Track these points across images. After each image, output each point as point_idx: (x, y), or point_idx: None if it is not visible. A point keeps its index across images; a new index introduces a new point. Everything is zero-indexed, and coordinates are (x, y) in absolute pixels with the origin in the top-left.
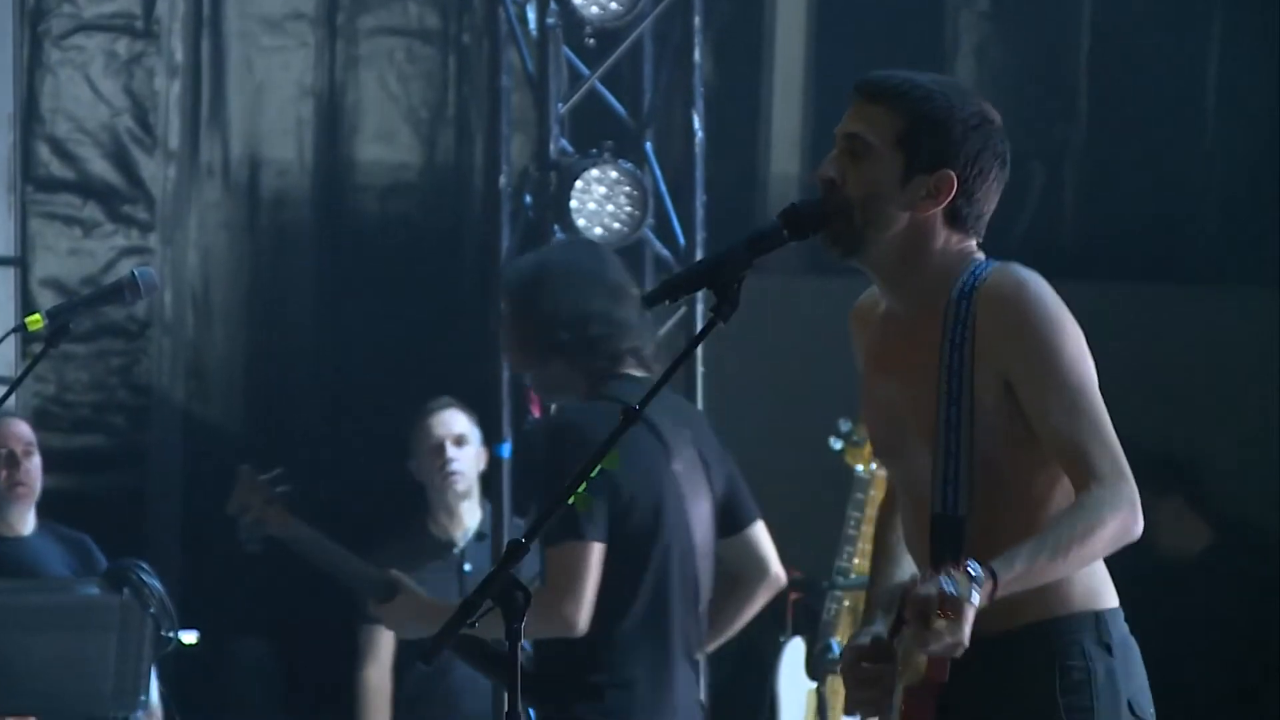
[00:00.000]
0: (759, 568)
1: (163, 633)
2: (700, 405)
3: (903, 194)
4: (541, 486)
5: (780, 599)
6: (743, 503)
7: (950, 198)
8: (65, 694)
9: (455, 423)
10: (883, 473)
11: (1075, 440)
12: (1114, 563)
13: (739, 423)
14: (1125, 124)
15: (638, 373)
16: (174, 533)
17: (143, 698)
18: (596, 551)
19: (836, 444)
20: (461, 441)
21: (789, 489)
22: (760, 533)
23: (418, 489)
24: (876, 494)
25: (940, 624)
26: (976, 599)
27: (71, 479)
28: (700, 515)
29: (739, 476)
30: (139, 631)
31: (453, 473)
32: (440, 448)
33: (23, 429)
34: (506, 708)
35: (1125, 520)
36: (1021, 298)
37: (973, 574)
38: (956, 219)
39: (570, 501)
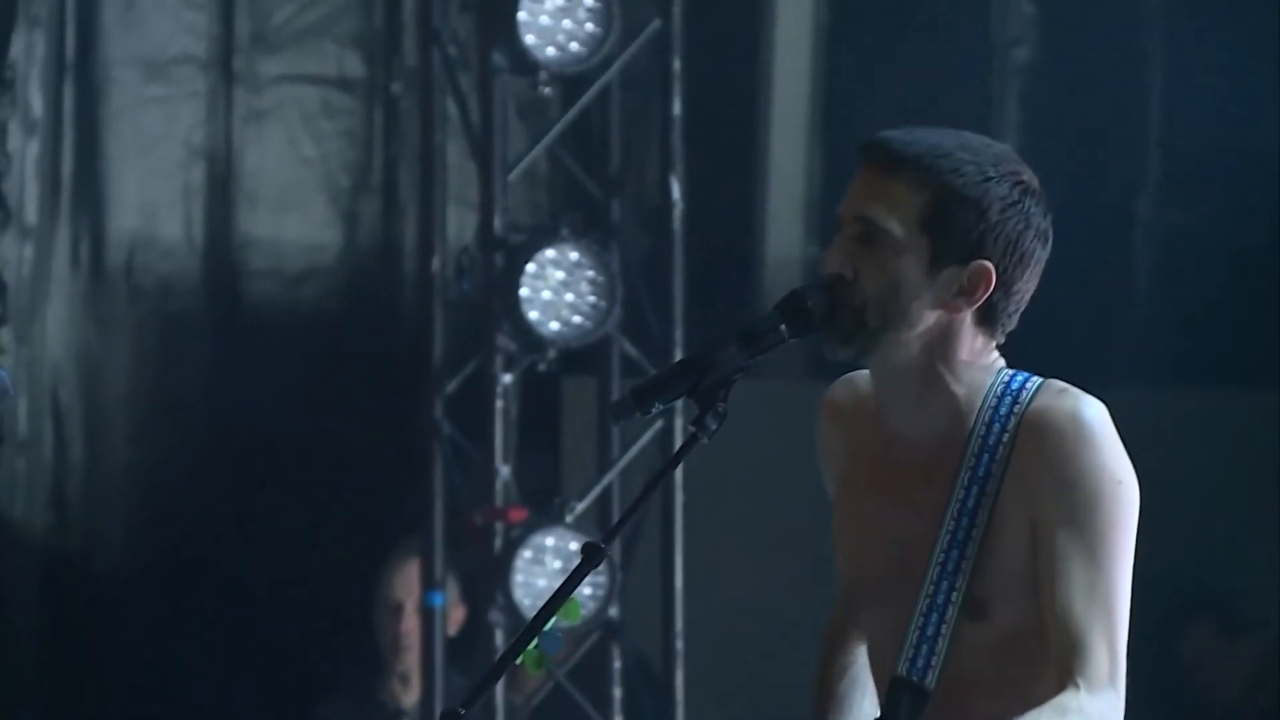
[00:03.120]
0: None
1: None
2: (680, 537)
3: (930, 290)
4: None
5: None
6: None
7: (988, 293)
8: None
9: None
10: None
11: (1080, 627)
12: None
13: (730, 560)
14: (1203, 188)
15: None
16: (34, 703)
17: None
18: None
19: None
20: None
21: (787, 642)
22: None
23: (363, 641)
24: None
25: None
26: None
27: None
28: None
29: None
30: None
31: (407, 648)
32: (398, 610)
33: None
34: None
35: None
36: (1079, 435)
37: None
38: (990, 317)
39: (520, 661)
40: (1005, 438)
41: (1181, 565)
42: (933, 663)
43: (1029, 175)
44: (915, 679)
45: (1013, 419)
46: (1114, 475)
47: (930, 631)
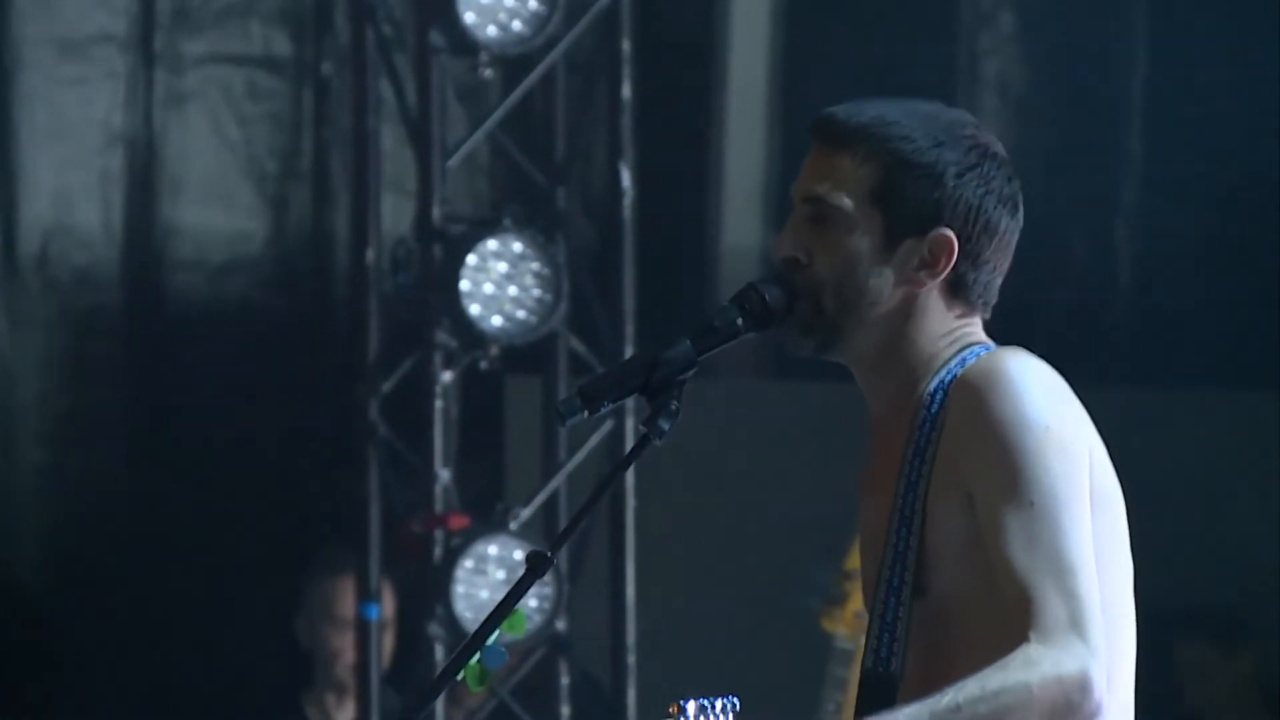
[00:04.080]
0: None
1: None
2: (631, 545)
3: (889, 266)
4: None
5: None
6: None
7: (951, 264)
8: None
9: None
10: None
11: (1025, 579)
12: None
13: (684, 569)
14: (1193, 174)
15: None
16: None
17: None
18: None
19: (812, 601)
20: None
21: (747, 657)
22: None
23: (292, 654)
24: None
25: None
26: None
27: None
28: None
29: None
30: None
31: (347, 664)
32: (343, 625)
33: None
34: None
35: (1064, 691)
36: (992, 388)
37: None
38: (960, 288)
39: (460, 677)
40: (942, 403)
41: (1175, 575)
42: (895, 648)
43: (988, 139)
44: (880, 668)
45: (951, 383)
46: (1038, 421)
47: (890, 616)
